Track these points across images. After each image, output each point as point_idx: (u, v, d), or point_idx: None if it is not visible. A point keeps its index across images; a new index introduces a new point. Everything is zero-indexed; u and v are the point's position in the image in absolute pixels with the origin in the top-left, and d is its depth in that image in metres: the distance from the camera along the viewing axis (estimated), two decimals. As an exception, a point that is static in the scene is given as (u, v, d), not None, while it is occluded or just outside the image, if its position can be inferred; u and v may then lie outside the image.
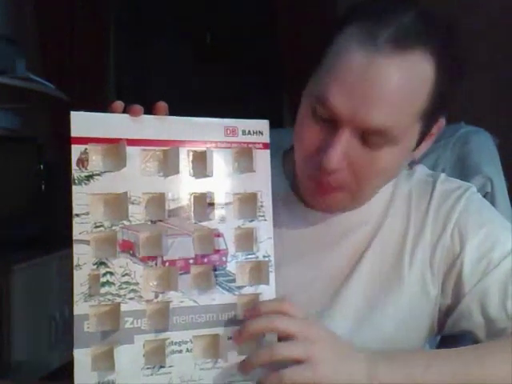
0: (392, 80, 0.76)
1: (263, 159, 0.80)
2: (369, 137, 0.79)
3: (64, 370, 0.93)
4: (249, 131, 0.80)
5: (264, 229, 0.79)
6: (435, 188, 0.92)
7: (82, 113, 0.74)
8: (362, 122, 0.77)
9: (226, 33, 3.38)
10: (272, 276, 0.79)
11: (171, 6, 3.48)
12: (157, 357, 0.74)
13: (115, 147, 0.74)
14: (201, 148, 0.77)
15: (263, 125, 0.81)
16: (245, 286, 0.78)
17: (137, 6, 3.75)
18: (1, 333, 2.06)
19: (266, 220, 0.79)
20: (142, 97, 3.80)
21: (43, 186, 2.52)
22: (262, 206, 0.79)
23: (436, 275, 0.89)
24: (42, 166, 2.51)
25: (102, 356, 0.72)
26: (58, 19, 3.18)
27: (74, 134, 0.73)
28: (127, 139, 0.74)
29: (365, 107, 0.76)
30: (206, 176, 0.77)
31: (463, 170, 1.14)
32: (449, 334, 0.93)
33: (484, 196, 1.07)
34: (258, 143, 0.80)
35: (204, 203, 0.77)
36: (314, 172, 0.83)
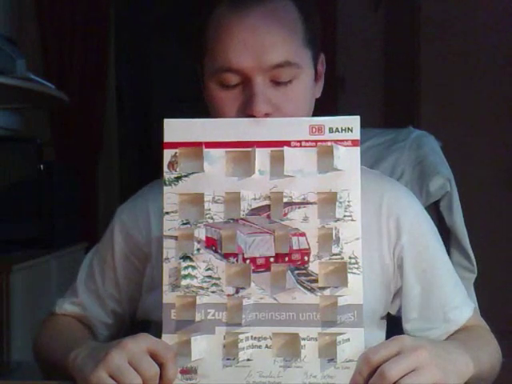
0: (267, 21, 0.88)
1: (352, 157, 0.78)
2: (278, 74, 0.87)
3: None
4: (337, 128, 0.79)
5: (351, 229, 0.78)
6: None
7: (173, 120, 0.80)
8: (268, 61, 0.86)
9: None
10: (359, 279, 0.77)
11: (171, 5, 3.48)
12: (236, 349, 0.75)
13: (200, 150, 0.78)
14: (283, 148, 0.78)
15: (353, 121, 0.79)
16: (328, 288, 0.77)
17: (137, 6, 3.75)
18: (1, 333, 2.06)
19: (353, 220, 0.78)
20: (142, 97, 3.80)
21: (43, 186, 2.51)
22: (349, 206, 0.78)
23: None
24: (41, 166, 2.51)
25: (187, 343, 0.76)
26: (59, 19, 3.18)
27: (166, 139, 0.79)
28: (212, 142, 0.78)
29: (262, 49, 0.86)
30: (286, 175, 0.77)
31: (423, 171, 1.22)
32: None
33: (444, 195, 1.19)
34: (347, 140, 0.78)
35: (283, 202, 0.77)
36: None
